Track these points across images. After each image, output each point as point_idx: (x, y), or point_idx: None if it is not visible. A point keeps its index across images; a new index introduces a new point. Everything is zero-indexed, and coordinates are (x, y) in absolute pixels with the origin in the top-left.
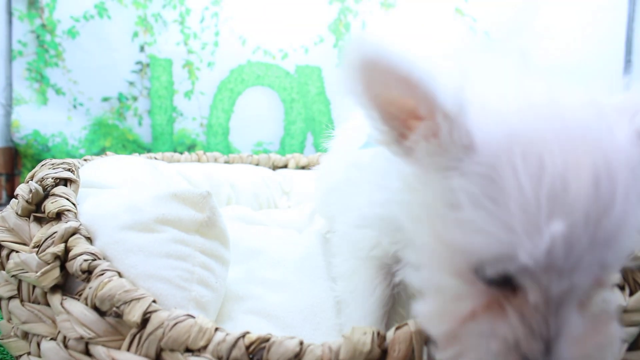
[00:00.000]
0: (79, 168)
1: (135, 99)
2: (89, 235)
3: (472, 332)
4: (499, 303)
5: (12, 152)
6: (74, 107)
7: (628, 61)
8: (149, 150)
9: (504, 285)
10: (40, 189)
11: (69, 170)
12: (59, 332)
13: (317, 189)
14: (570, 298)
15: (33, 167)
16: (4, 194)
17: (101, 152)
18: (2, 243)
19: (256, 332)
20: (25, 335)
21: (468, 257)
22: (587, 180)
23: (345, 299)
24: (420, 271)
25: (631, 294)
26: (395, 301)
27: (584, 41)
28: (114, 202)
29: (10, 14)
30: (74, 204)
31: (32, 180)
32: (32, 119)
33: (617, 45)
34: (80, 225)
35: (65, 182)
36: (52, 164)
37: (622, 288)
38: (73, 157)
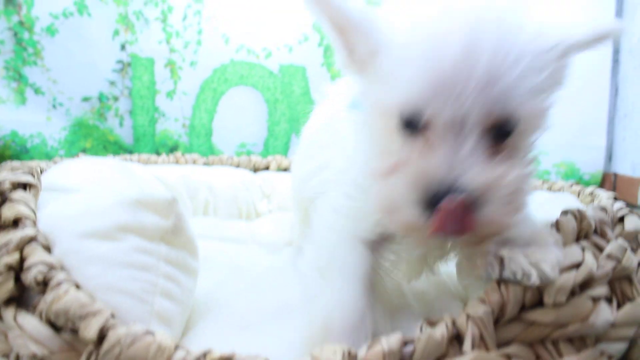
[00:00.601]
0: (44, 171)
1: (116, 99)
2: (47, 244)
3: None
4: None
5: None
6: (54, 107)
7: (616, 61)
8: (130, 152)
9: (416, 127)
10: None
11: (29, 174)
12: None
13: (294, 177)
14: (464, 129)
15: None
16: None
17: (82, 153)
18: None
19: (223, 345)
20: None
21: (391, 112)
22: (461, 43)
23: (323, 269)
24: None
25: (619, 306)
26: (377, 274)
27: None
28: (74, 208)
29: None
30: (32, 210)
31: None
32: (10, 119)
33: (604, 45)
34: (37, 232)
35: (25, 186)
36: (12, 167)
37: (609, 301)
38: (52, 158)
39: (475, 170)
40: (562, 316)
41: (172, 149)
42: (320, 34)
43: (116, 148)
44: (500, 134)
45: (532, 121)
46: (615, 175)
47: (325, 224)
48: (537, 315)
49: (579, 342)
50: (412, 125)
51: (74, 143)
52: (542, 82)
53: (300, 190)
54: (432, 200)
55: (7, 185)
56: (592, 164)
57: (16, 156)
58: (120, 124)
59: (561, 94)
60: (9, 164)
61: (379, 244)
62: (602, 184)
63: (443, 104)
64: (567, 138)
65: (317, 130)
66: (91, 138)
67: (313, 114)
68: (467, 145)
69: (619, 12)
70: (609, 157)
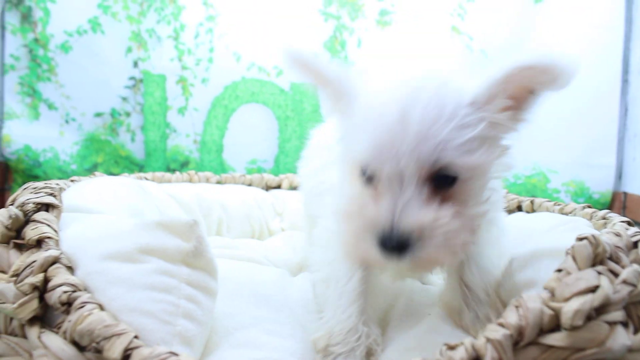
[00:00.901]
0: (64, 190)
1: (128, 114)
2: (70, 265)
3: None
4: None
5: (3, 167)
6: (66, 122)
7: (625, 81)
8: (141, 167)
9: (371, 180)
10: (20, 214)
11: (51, 194)
12: None
13: (301, 191)
14: (404, 181)
15: (24, 182)
16: None
17: (93, 168)
18: None
19: None
20: None
21: (354, 164)
22: (397, 111)
23: (324, 282)
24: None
25: (635, 331)
26: (369, 286)
27: (581, 60)
28: (97, 230)
29: (3, 27)
30: (55, 231)
31: (12, 205)
32: (24, 134)
33: (614, 64)
34: (61, 253)
35: (47, 207)
36: (35, 188)
37: (625, 325)
38: (64, 172)
39: (410, 215)
40: (579, 340)
41: (183, 165)
42: (330, 53)
43: (127, 163)
44: (443, 183)
45: (472, 171)
46: (625, 194)
47: (322, 242)
48: (554, 339)
49: None
50: (367, 177)
51: (85, 158)
52: (474, 137)
53: (307, 207)
54: (380, 242)
55: (30, 207)
56: (602, 183)
57: (29, 170)
58: (132, 140)
59: (570, 113)
60: (31, 184)
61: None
62: (611, 203)
63: (384, 161)
64: (577, 157)
65: (320, 148)
66: (103, 153)
67: (318, 133)
68: (406, 194)
69: (628, 33)
70: (619, 176)
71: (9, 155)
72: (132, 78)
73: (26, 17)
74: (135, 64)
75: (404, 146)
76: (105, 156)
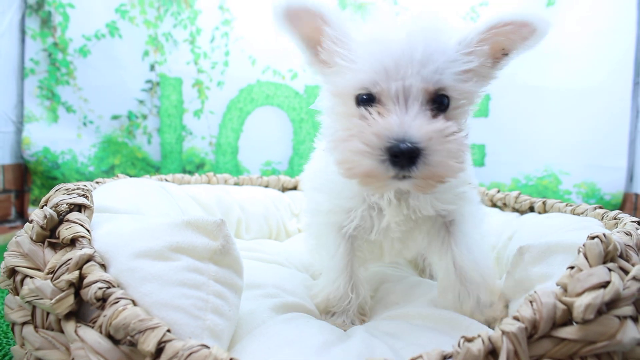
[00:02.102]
0: (91, 192)
1: (144, 117)
2: (103, 262)
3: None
4: (364, 117)
5: (22, 168)
6: (84, 124)
7: (637, 83)
8: (157, 169)
9: (370, 103)
10: (54, 214)
11: (83, 196)
12: (73, 359)
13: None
14: (408, 99)
15: (42, 184)
16: (13, 211)
17: (110, 169)
18: (17, 268)
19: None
20: None
21: (349, 95)
22: (403, 41)
23: (318, 252)
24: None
25: None
26: (354, 254)
27: (592, 64)
28: (128, 229)
29: (23, 32)
30: (88, 230)
31: (46, 205)
32: (43, 136)
33: (625, 67)
34: (94, 252)
35: (80, 207)
36: (67, 189)
37: (635, 320)
38: (82, 174)
39: (420, 125)
40: (590, 333)
41: (199, 167)
42: None
43: (144, 165)
44: (439, 106)
45: (464, 96)
46: (637, 195)
47: (313, 219)
48: (567, 332)
49: (607, 358)
50: (365, 101)
51: (103, 159)
52: (465, 70)
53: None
54: (389, 151)
55: (64, 207)
56: (613, 185)
57: (48, 172)
58: (149, 142)
59: (582, 116)
60: (63, 186)
61: (354, 237)
62: (623, 205)
63: (391, 81)
64: (589, 159)
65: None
66: (120, 155)
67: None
68: (412, 109)
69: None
70: (630, 178)
71: (28, 157)
72: (148, 81)
73: (46, 22)
74: (152, 68)
75: (410, 68)
76: (122, 158)
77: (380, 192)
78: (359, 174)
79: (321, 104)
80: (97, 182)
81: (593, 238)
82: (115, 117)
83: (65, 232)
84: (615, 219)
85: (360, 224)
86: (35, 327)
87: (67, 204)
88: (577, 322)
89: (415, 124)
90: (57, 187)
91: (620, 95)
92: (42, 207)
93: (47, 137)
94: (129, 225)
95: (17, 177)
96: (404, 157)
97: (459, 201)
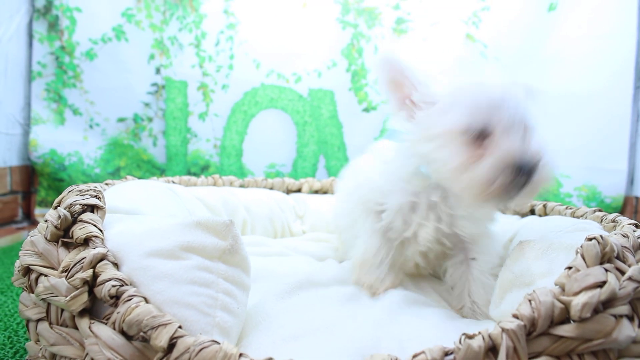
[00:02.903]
0: (103, 192)
1: (150, 120)
2: (115, 261)
3: (480, 165)
4: (478, 149)
5: (29, 170)
6: (90, 127)
7: (637, 87)
8: (162, 171)
9: (479, 138)
10: (68, 215)
11: (95, 197)
12: (87, 354)
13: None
14: (515, 129)
15: (49, 186)
16: (20, 212)
17: (115, 171)
18: (32, 267)
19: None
20: (53, 357)
21: (457, 128)
22: (508, 94)
23: (350, 241)
24: (436, 161)
25: None
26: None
27: (593, 68)
28: (140, 229)
29: (31, 36)
30: (100, 230)
31: (59, 206)
32: (50, 139)
33: (626, 71)
34: (107, 251)
35: (92, 208)
36: (80, 190)
37: (631, 319)
38: (88, 175)
39: (531, 148)
40: (587, 331)
41: (204, 169)
42: (348, 60)
43: (149, 167)
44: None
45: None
46: (637, 199)
47: (357, 206)
48: (564, 330)
49: (603, 355)
50: (478, 135)
51: (109, 162)
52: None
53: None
54: (519, 167)
55: (77, 208)
56: (614, 188)
57: (54, 173)
58: (154, 144)
59: (583, 119)
60: (75, 187)
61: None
62: (623, 208)
63: (500, 118)
64: (589, 162)
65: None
66: (125, 157)
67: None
68: (519, 139)
69: None
70: (631, 182)
71: (35, 159)
72: (154, 84)
73: (53, 25)
74: (158, 71)
75: (509, 110)
76: (127, 160)
77: (489, 207)
78: (495, 190)
79: (403, 136)
80: (106, 184)
81: (590, 239)
82: (121, 120)
83: (79, 232)
84: (613, 221)
85: (397, 221)
86: (50, 323)
87: (80, 204)
88: (574, 321)
89: (530, 148)
90: (69, 188)
91: (621, 99)
92: (55, 207)
93: (54, 139)
94: (140, 225)
95: (24, 178)
96: (528, 171)
97: (483, 228)
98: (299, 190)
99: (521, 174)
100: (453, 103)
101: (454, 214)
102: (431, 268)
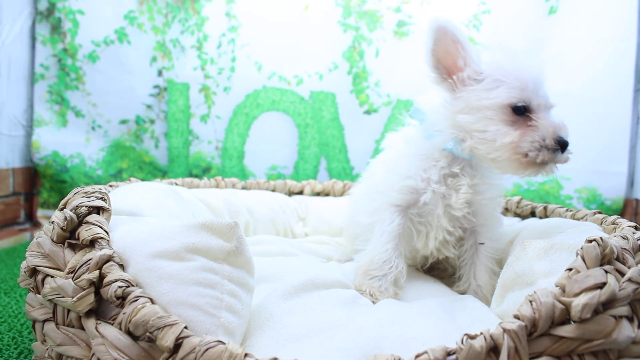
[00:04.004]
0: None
1: (152, 122)
2: (121, 263)
3: (524, 139)
4: (524, 124)
5: (32, 172)
6: (93, 129)
7: (637, 90)
8: (164, 173)
9: (524, 114)
10: (74, 217)
11: (101, 199)
12: (93, 355)
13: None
14: (548, 108)
15: (51, 187)
16: (22, 213)
17: (117, 173)
18: (38, 268)
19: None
20: (60, 357)
21: (502, 102)
22: (536, 69)
23: (370, 227)
24: (480, 132)
25: None
26: (403, 231)
27: (593, 71)
28: (145, 231)
29: (34, 38)
30: (106, 232)
31: (65, 207)
32: (52, 140)
33: (626, 74)
34: (113, 252)
35: (98, 210)
36: (85, 192)
37: (630, 320)
38: (90, 177)
39: (565, 129)
40: (587, 332)
41: (205, 171)
42: (349, 63)
43: (151, 169)
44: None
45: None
46: (637, 201)
47: (368, 198)
48: (565, 330)
49: (603, 356)
50: (520, 110)
51: (111, 163)
52: None
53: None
54: (559, 142)
55: (83, 210)
56: (614, 190)
57: (57, 175)
58: (156, 146)
59: (583, 121)
60: (81, 189)
61: (406, 208)
62: (623, 210)
63: (539, 97)
64: (589, 165)
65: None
66: (127, 159)
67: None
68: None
69: None
70: (631, 184)
71: (38, 160)
72: (156, 86)
73: (56, 28)
74: (160, 73)
75: (543, 90)
76: (129, 162)
77: (525, 175)
78: (532, 161)
79: (437, 108)
80: (110, 186)
81: (591, 241)
82: (123, 122)
83: (85, 233)
84: (613, 223)
85: (419, 199)
86: (57, 324)
87: (86, 206)
88: (574, 321)
89: (563, 126)
90: (75, 190)
91: (621, 102)
92: (61, 209)
93: (57, 141)
94: (146, 227)
95: (26, 180)
96: (564, 146)
97: (492, 210)
98: (300, 192)
99: (560, 146)
100: (499, 80)
101: (473, 182)
102: (451, 251)
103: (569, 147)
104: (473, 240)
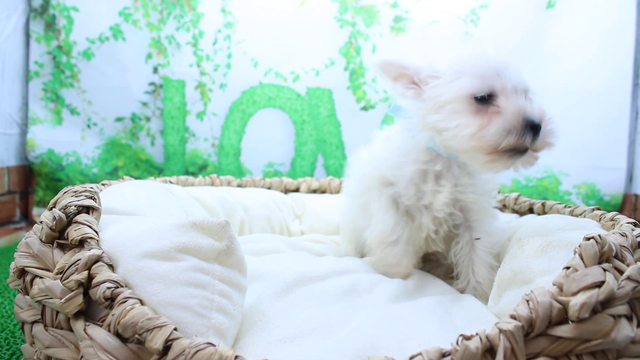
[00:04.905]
0: (98, 194)
1: (148, 119)
2: (110, 263)
3: (487, 127)
4: (489, 112)
5: (27, 170)
6: (88, 126)
7: (636, 85)
8: (161, 170)
9: (488, 102)
10: (63, 216)
11: (91, 198)
12: (82, 357)
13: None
14: (518, 92)
15: (47, 186)
16: (17, 212)
17: (114, 171)
18: (27, 269)
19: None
20: (48, 359)
21: (464, 93)
22: (508, 60)
23: (359, 230)
24: (447, 129)
25: (639, 325)
26: (403, 220)
27: (592, 65)
28: (135, 230)
29: (28, 35)
30: (96, 232)
31: (54, 207)
32: (47, 138)
33: (625, 69)
34: (102, 253)
35: (88, 209)
36: (75, 192)
37: (629, 319)
38: (86, 175)
39: (537, 109)
40: (585, 332)
41: (202, 168)
42: (346, 59)
43: (147, 166)
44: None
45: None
46: (636, 196)
47: (373, 192)
48: (562, 330)
49: (602, 356)
50: (483, 99)
51: (107, 161)
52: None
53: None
54: (529, 125)
55: (72, 209)
56: (613, 186)
57: (52, 173)
58: (152, 143)
59: (581, 117)
60: (71, 188)
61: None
62: (622, 205)
63: (504, 82)
64: (588, 160)
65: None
66: (123, 156)
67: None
68: (523, 99)
69: (639, 38)
70: (630, 179)
71: (33, 159)
72: (152, 84)
73: (50, 25)
74: (155, 70)
75: (510, 74)
76: (125, 160)
77: (498, 169)
78: (501, 147)
79: (412, 112)
80: (102, 184)
81: (589, 239)
82: (118, 119)
83: (74, 233)
84: (612, 220)
85: (410, 190)
86: (45, 325)
87: (75, 206)
88: (572, 321)
89: (534, 108)
90: (65, 189)
91: (620, 96)
92: (50, 209)
93: (52, 139)
94: (136, 226)
95: (21, 178)
96: (535, 128)
97: (486, 204)
98: (297, 190)
99: (530, 129)
100: (458, 72)
101: (459, 182)
102: (439, 246)
103: (552, 131)
104: (468, 236)
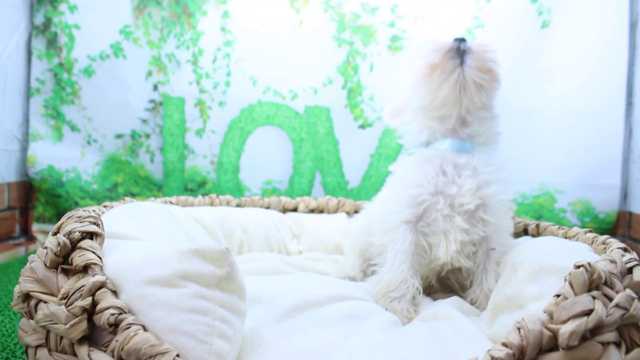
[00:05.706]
0: (101, 216)
1: (147, 136)
2: (114, 289)
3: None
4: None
5: (27, 186)
6: (88, 143)
7: (629, 103)
8: (160, 187)
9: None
10: (68, 242)
11: (94, 223)
12: None
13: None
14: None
15: (47, 202)
16: (17, 228)
17: (113, 187)
18: (31, 293)
19: None
20: None
21: (420, 72)
22: (452, 39)
23: (383, 247)
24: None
25: (627, 351)
26: (416, 247)
27: (586, 85)
28: (138, 257)
29: (30, 52)
30: (99, 257)
31: (59, 232)
32: (48, 155)
33: (618, 87)
34: (106, 279)
35: (92, 235)
36: (79, 217)
37: (618, 345)
38: (86, 192)
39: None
40: (574, 359)
41: (201, 185)
42: (344, 78)
43: (147, 183)
44: None
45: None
46: (631, 214)
47: (379, 219)
48: (552, 358)
49: None
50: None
51: (106, 178)
52: None
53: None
54: (454, 44)
55: (76, 235)
56: (608, 203)
57: (52, 189)
58: (151, 160)
59: (576, 135)
60: (75, 213)
61: (415, 223)
62: (617, 223)
63: (446, 51)
64: (583, 178)
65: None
66: (123, 173)
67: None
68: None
69: (632, 57)
70: (624, 197)
71: (33, 175)
72: (152, 101)
73: (52, 42)
74: (155, 88)
75: (454, 44)
76: (125, 176)
77: (448, 83)
78: (431, 65)
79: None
80: (104, 206)
81: (579, 267)
82: (118, 136)
83: (78, 259)
84: (604, 243)
85: (428, 208)
86: (49, 350)
87: (79, 231)
88: (562, 348)
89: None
90: (68, 214)
91: (614, 115)
92: (55, 234)
93: (52, 155)
94: (139, 252)
95: (21, 194)
96: (459, 49)
97: (504, 214)
98: (295, 209)
99: (455, 52)
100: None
101: (479, 176)
102: (462, 262)
103: (492, 58)
104: (485, 247)
